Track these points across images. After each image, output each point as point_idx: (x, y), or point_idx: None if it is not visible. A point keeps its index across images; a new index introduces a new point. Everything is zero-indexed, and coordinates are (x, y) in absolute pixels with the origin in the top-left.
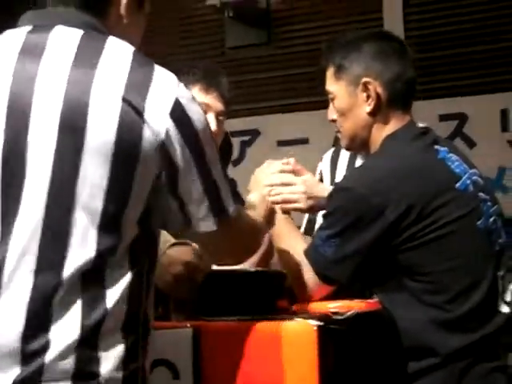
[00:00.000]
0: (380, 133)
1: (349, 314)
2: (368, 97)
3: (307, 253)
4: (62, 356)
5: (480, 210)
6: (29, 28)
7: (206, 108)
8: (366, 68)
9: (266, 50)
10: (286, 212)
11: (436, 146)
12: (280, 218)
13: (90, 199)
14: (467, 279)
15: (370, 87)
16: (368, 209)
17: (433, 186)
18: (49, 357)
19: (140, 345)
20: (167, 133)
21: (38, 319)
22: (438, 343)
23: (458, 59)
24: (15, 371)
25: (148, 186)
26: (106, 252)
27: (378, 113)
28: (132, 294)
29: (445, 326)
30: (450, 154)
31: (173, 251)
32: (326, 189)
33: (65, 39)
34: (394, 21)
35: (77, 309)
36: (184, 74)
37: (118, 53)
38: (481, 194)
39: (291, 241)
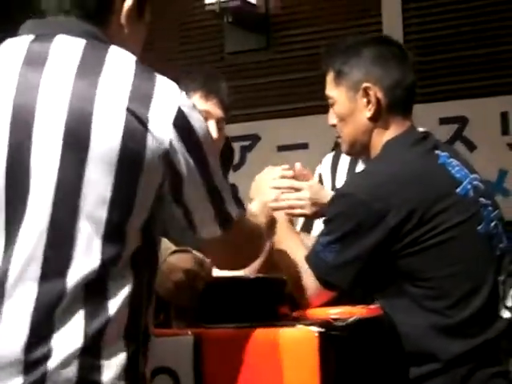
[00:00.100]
0: (380, 138)
1: (350, 320)
2: (368, 102)
3: (308, 258)
4: (65, 364)
5: (480, 215)
6: (30, 37)
7: (206, 115)
8: (366, 73)
9: (265, 55)
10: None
11: (436, 151)
12: (281, 223)
13: (95, 208)
14: (468, 285)
15: (370, 92)
16: (369, 214)
17: (433, 191)
18: (51, 365)
19: (141, 352)
20: (171, 142)
21: (41, 329)
22: (439, 349)
23: (457, 62)
24: (17, 381)
25: (152, 195)
26: (110, 261)
27: (379, 118)
28: (133, 303)
29: (446, 332)
30: (451, 159)
31: (173, 258)
32: (330, 194)
33: (67, 49)
34: (393, 25)
35: (79, 318)
36: (184, 80)
37: (120, 62)
38: (481, 199)
39: (292, 246)
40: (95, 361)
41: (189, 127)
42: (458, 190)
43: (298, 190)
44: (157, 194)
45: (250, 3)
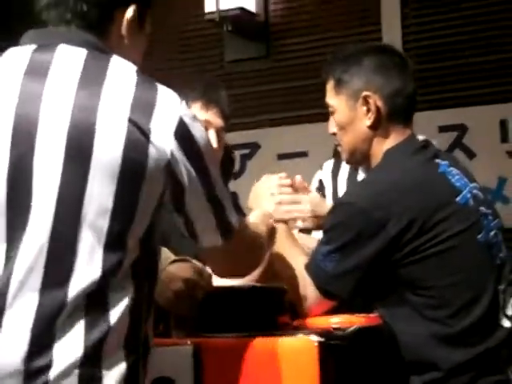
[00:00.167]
0: (380, 147)
1: (350, 329)
2: (368, 110)
3: (308, 267)
4: (65, 374)
5: (480, 224)
6: (32, 47)
7: (206, 124)
8: (366, 82)
9: (264, 64)
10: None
11: (437, 160)
12: (281, 232)
13: (96, 218)
14: (468, 294)
15: (370, 101)
16: (369, 223)
17: (434, 200)
18: (52, 375)
19: (141, 364)
20: (172, 152)
21: (42, 339)
22: (439, 358)
23: (456, 71)
24: None
25: (153, 204)
26: (111, 272)
27: (379, 127)
28: (133, 313)
29: (446, 341)
30: (451, 168)
31: (173, 268)
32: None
33: (69, 59)
34: (392, 33)
35: (80, 328)
36: (183, 89)
37: (121, 73)
38: (481, 208)
39: (292, 255)
40: (96, 371)
41: (190, 137)
42: (458, 198)
43: (298, 202)
44: (158, 204)
45: (249, 12)
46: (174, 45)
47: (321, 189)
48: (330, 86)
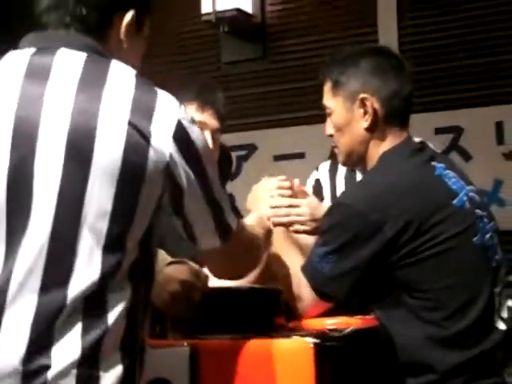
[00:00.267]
0: (377, 149)
1: (346, 331)
2: (365, 113)
3: (304, 269)
4: (63, 375)
5: (476, 226)
6: (32, 50)
7: (201, 126)
8: (363, 84)
9: (261, 65)
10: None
11: (433, 163)
12: (278, 233)
13: (96, 220)
14: (464, 296)
15: (367, 103)
16: (366, 225)
17: (430, 202)
18: (50, 376)
19: (137, 365)
20: (171, 155)
21: (41, 340)
22: (435, 360)
23: (452, 72)
24: None
25: (152, 207)
26: (109, 273)
27: (375, 129)
28: (130, 315)
29: (442, 343)
30: (447, 171)
31: (170, 269)
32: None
33: (69, 62)
34: (388, 35)
35: (78, 329)
36: (179, 91)
37: (121, 76)
38: (477, 211)
39: (289, 257)
40: (93, 372)
41: (188, 140)
42: (454, 201)
43: (297, 206)
44: (156, 206)
45: (246, 13)
46: (171, 46)
47: (318, 189)
48: (327, 87)
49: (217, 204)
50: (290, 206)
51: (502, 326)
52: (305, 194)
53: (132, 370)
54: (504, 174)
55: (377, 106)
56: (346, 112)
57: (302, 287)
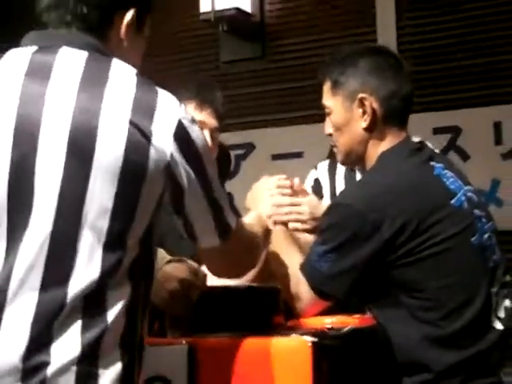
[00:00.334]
0: (376, 149)
1: (344, 330)
2: (364, 112)
3: (303, 268)
4: (63, 371)
5: (474, 226)
6: (33, 48)
7: (200, 125)
8: (362, 83)
9: (260, 64)
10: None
11: (432, 163)
12: (277, 232)
13: (97, 218)
14: (462, 296)
15: (366, 103)
16: (364, 225)
17: (429, 202)
18: (49, 372)
19: (136, 362)
20: (172, 154)
21: (41, 337)
22: (431, 359)
23: (451, 73)
24: None
25: (152, 205)
26: (110, 272)
27: (374, 128)
28: (130, 312)
29: (438, 343)
30: (446, 171)
31: (168, 268)
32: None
33: (71, 60)
34: (387, 34)
35: (77, 327)
36: (178, 90)
37: (122, 75)
38: (476, 211)
39: (288, 255)
40: (92, 369)
41: (189, 140)
42: (452, 201)
43: (298, 205)
44: (157, 205)
45: (244, 12)
46: (170, 45)
47: (317, 188)
48: (326, 87)
49: (217, 203)
50: (291, 205)
51: (498, 325)
52: (305, 193)
53: (131, 367)
54: (502, 174)
55: (375, 105)
56: (345, 112)
57: (300, 286)
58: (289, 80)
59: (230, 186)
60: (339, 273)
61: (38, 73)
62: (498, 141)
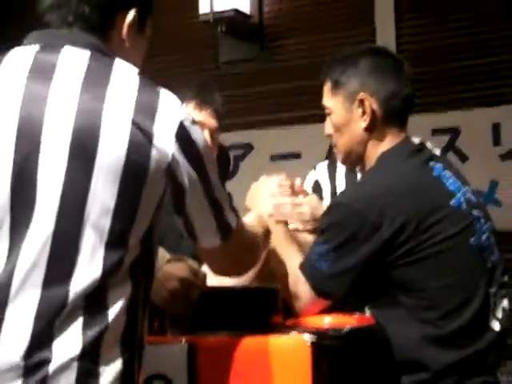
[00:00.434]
0: (376, 149)
1: (344, 329)
2: (363, 113)
3: (303, 267)
4: (64, 368)
5: (473, 227)
6: (36, 47)
7: (200, 125)
8: (362, 84)
9: (258, 65)
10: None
11: (431, 163)
12: (277, 232)
13: (99, 217)
14: (460, 296)
15: (366, 103)
16: (364, 225)
17: (428, 203)
18: (51, 370)
19: (136, 360)
20: (173, 154)
21: (43, 334)
22: (429, 359)
23: (449, 74)
24: None
25: (154, 205)
26: (111, 271)
27: (374, 129)
28: (130, 311)
29: (436, 342)
30: (445, 171)
31: (169, 267)
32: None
33: (73, 60)
34: (386, 35)
35: (79, 325)
36: (178, 90)
37: (124, 75)
38: (474, 212)
39: (287, 255)
40: (93, 366)
41: (190, 140)
42: (451, 202)
43: (299, 205)
44: (158, 205)
45: (243, 13)
46: (169, 46)
47: (317, 190)
48: (327, 87)
49: (217, 203)
50: (292, 205)
51: (496, 326)
52: (305, 194)
53: (131, 364)
54: (500, 175)
55: (375, 106)
56: (346, 112)
57: (299, 285)
58: (287, 80)
59: (228, 186)
60: (339, 272)
61: (41, 73)
62: (497, 142)
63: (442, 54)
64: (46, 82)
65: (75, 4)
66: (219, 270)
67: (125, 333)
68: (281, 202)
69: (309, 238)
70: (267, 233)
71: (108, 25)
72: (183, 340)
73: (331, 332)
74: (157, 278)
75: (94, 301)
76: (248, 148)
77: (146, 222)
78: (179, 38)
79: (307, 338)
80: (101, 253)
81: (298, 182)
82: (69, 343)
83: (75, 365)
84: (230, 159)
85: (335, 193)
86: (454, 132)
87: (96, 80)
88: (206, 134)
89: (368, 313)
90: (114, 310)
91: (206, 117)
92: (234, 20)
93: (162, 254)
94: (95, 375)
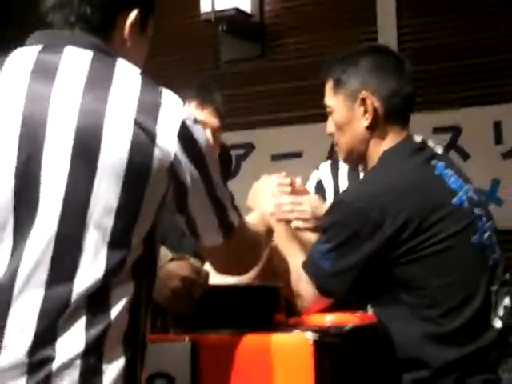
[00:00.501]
0: (377, 147)
1: (346, 327)
2: (365, 111)
3: (305, 266)
4: (68, 366)
5: (475, 225)
6: (39, 47)
7: (202, 124)
8: (363, 82)
9: (259, 64)
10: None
11: (433, 162)
12: (280, 230)
13: (102, 217)
14: (461, 294)
15: (368, 102)
16: (366, 223)
17: (430, 201)
18: (54, 367)
19: (138, 358)
20: (175, 154)
21: (47, 333)
22: (430, 356)
23: (451, 72)
24: (21, 382)
25: (156, 204)
26: (114, 270)
27: (376, 127)
28: (133, 309)
29: (438, 340)
30: (447, 170)
31: (171, 266)
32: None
33: (76, 60)
34: (387, 33)
35: (82, 323)
36: (179, 89)
37: (127, 75)
38: (476, 210)
39: (290, 253)
40: (97, 364)
41: (192, 139)
42: (453, 200)
43: (299, 204)
44: (160, 204)
45: (244, 12)
46: (170, 45)
47: (320, 190)
48: (328, 86)
49: (219, 202)
50: (292, 204)
51: (498, 323)
52: (306, 192)
53: (134, 363)
54: (502, 173)
55: (377, 104)
56: (347, 111)
57: (300, 283)
58: (288, 80)
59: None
60: (341, 271)
61: (44, 73)
62: (499, 140)
63: (443, 53)
64: (48, 81)
65: (77, 4)
66: (221, 269)
67: (127, 331)
68: (281, 200)
69: (311, 237)
70: (270, 231)
71: (110, 25)
72: (186, 338)
73: (333, 330)
74: (159, 276)
75: (97, 300)
76: (249, 147)
77: (149, 221)
78: (180, 37)
79: (309, 335)
80: (103, 252)
81: (298, 180)
82: (72, 342)
83: (78, 363)
84: (232, 158)
85: (338, 192)
86: (456, 130)
87: (98, 80)
88: (208, 133)
89: (370, 311)
90: (116, 309)
91: (207, 116)
92: (235, 19)
93: (164, 252)
94: (99, 373)
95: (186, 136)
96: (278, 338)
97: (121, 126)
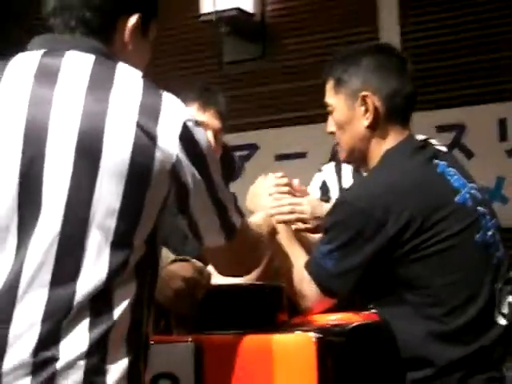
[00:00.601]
0: (379, 147)
1: (349, 326)
2: (366, 110)
3: (308, 266)
4: (72, 366)
5: (478, 223)
6: (41, 52)
7: (204, 126)
8: (364, 82)
9: (262, 64)
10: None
11: (435, 161)
12: (282, 231)
13: (105, 218)
14: (465, 293)
15: (369, 101)
16: (368, 223)
17: (433, 200)
18: (59, 367)
19: (142, 358)
20: (177, 156)
21: (51, 333)
22: (435, 355)
23: (454, 70)
24: (25, 382)
25: (158, 206)
26: (117, 271)
27: (377, 127)
28: (135, 310)
29: (442, 338)
30: (450, 168)
31: (174, 267)
32: (328, 209)
33: (78, 64)
34: (390, 33)
35: (85, 323)
36: (181, 91)
37: (128, 79)
38: (479, 208)
39: (292, 254)
40: (100, 364)
41: (193, 141)
42: (456, 198)
43: (299, 204)
44: (162, 205)
45: (246, 12)
46: (172, 46)
47: (325, 190)
48: (329, 85)
49: (221, 203)
50: (291, 205)
51: (502, 321)
52: (305, 193)
53: (137, 363)
54: (507, 171)
55: (378, 103)
56: (348, 110)
57: (304, 284)
58: (291, 80)
59: (233, 186)
60: (345, 271)
61: (46, 76)
62: (503, 137)
63: (446, 51)
64: (51, 85)
65: (77, 9)
66: (224, 270)
67: (130, 331)
68: (279, 201)
69: (313, 238)
70: (273, 232)
71: (110, 28)
72: (189, 339)
73: (336, 329)
74: (162, 277)
75: (100, 300)
76: (253, 148)
77: (151, 222)
78: (182, 37)
79: (312, 335)
80: (106, 253)
81: (295, 181)
82: (76, 341)
83: (82, 363)
84: (235, 160)
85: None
86: (460, 129)
87: (100, 83)
88: (210, 135)
89: (374, 310)
90: (119, 309)
91: (209, 117)
92: (236, 19)
93: (166, 254)
94: (102, 373)
95: (187, 138)
96: (281, 338)
97: (123, 129)
